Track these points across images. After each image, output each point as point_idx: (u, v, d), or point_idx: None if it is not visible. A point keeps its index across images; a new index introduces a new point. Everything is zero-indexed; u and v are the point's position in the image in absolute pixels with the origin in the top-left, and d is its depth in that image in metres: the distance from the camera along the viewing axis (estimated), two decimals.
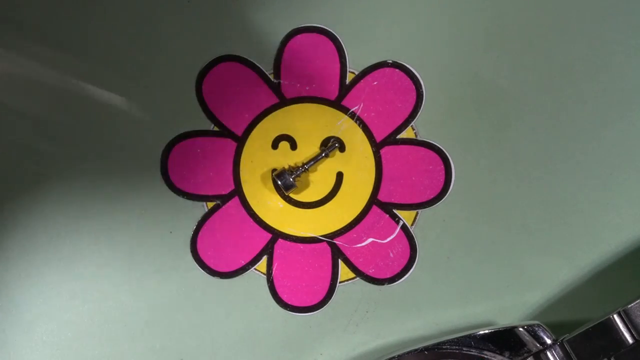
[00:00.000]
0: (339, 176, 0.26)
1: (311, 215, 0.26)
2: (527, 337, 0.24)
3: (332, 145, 0.26)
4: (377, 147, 0.26)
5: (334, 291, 0.26)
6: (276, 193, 0.26)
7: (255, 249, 0.26)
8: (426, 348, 0.25)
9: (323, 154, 0.26)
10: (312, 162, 0.26)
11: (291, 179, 0.25)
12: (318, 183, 0.26)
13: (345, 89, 0.26)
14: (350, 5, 0.26)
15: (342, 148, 0.26)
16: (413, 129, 0.26)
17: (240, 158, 0.26)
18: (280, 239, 0.26)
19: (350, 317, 0.26)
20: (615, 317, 0.23)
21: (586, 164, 0.26)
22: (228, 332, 0.26)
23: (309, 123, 0.26)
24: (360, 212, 0.26)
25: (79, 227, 0.25)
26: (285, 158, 0.26)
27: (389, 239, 0.26)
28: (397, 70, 0.26)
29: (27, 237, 0.25)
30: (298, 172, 0.25)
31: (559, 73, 0.26)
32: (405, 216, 0.26)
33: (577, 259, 0.27)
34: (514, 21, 0.26)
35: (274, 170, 0.26)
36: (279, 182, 0.25)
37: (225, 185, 0.26)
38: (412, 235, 0.26)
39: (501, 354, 0.24)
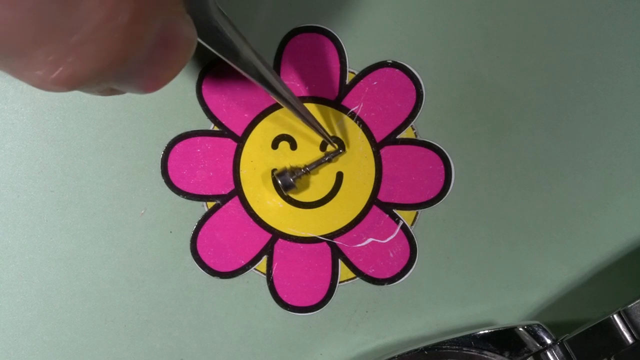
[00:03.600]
0: (339, 176, 0.26)
1: (311, 215, 0.26)
2: (527, 337, 0.24)
3: (336, 151, 0.26)
4: (377, 147, 0.26)
5: (333, 291, 0.26)
6: (276, 193, 0.26)
7: (255, 249, 0.26)
8: (426, 348, 0.25)
9: (326, 158, 0.26)
10: (314, 166, 0.26)
11: (291, 179, 0.25)
12: (318, 183, 0.26)
13: (345, 89, 0.26)
14: (350, 5, 0.26)
15: (342, 148, 0.26)
16: (413, 129, 0.26)
17: (240, 158, 0.26)
18: (280, 239, 0.26)
19: (350, 317, 0.26)
20: (615, 317, 0.23)
21: (586, 164, 0.26)
22: (228, 332, 0.26)
23: None
24: (360, 212, 0.26)
25: (79, 227, 0.25)
26: (285, 158, 0.26)
27: (389, 239, 0.26)
28: (397, 70, 0.26)
29: (27, 237, 0.25)
30: (299, 174, 0.25)
31: (559, 73, 0.26)
32: (405, 216, 0.26)
33: (577, 259, 0.27)
34: (514, 21, 0.26)
35: (274, 170, 0.26)
36: (280, 182, 0.25)
37: (225, 185, 0.26)
38: (412, 235, 0.26)
39: (501, 354, 0.24)
